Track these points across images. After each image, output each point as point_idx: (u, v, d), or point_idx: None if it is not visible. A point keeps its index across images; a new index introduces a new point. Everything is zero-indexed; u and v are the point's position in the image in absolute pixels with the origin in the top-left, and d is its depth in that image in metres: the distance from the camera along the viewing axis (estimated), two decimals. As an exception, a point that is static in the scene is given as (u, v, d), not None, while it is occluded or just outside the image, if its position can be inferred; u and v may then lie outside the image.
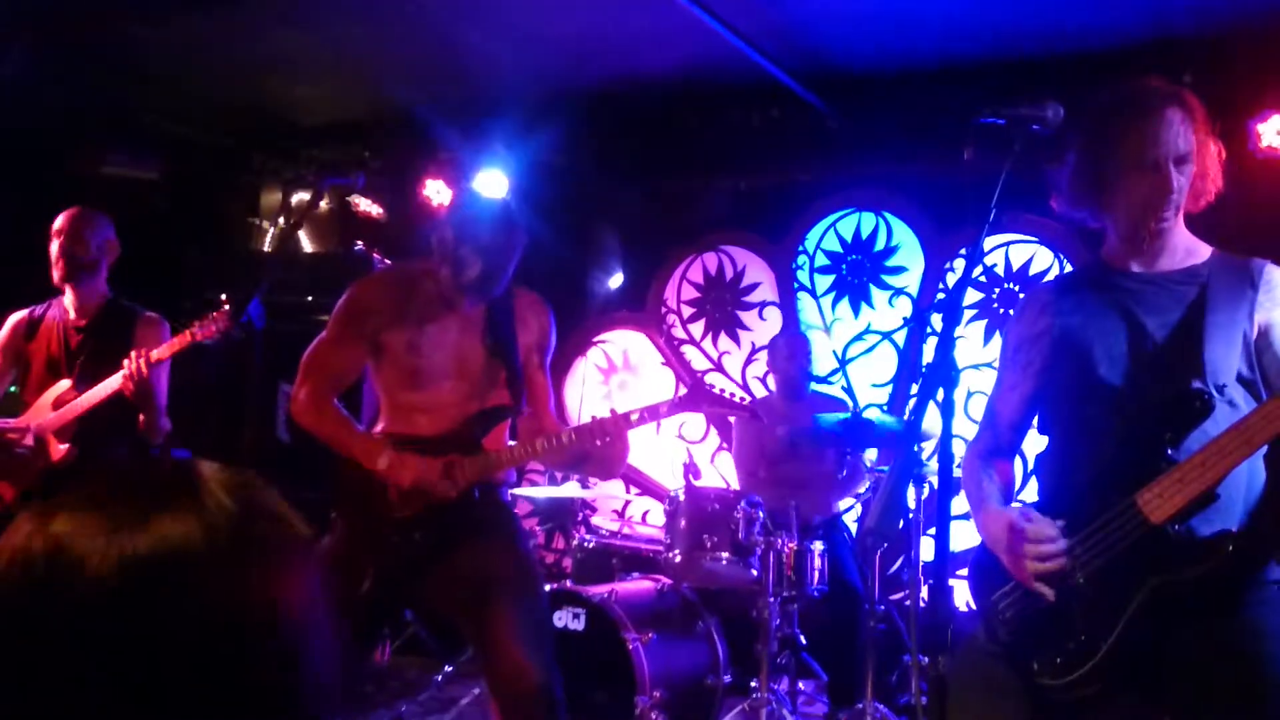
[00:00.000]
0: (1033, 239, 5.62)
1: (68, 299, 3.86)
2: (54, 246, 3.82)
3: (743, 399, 3.09)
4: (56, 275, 3.82)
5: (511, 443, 3.04)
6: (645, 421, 2.92)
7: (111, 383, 3.65)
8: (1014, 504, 2.28)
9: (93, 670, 0.77)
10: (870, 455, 5.20)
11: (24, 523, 0.84)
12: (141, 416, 3.70)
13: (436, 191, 6.42)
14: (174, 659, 0.78)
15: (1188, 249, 2.22)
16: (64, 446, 3.70)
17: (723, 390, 3.05)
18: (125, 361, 3.61)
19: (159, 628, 0.78)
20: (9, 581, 0.81)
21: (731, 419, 5.46)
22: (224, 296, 5.94)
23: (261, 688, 0.82)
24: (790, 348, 5.16)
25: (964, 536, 5.04)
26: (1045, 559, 2.06)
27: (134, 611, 0.78)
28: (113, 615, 0.78)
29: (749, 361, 6.30)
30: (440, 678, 5.11)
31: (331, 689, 0.89)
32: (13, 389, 3.89)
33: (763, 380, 6.19)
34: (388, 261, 6.00)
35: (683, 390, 3.10)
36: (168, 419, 3.79)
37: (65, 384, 3.75)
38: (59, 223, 3.85)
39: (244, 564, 0.82)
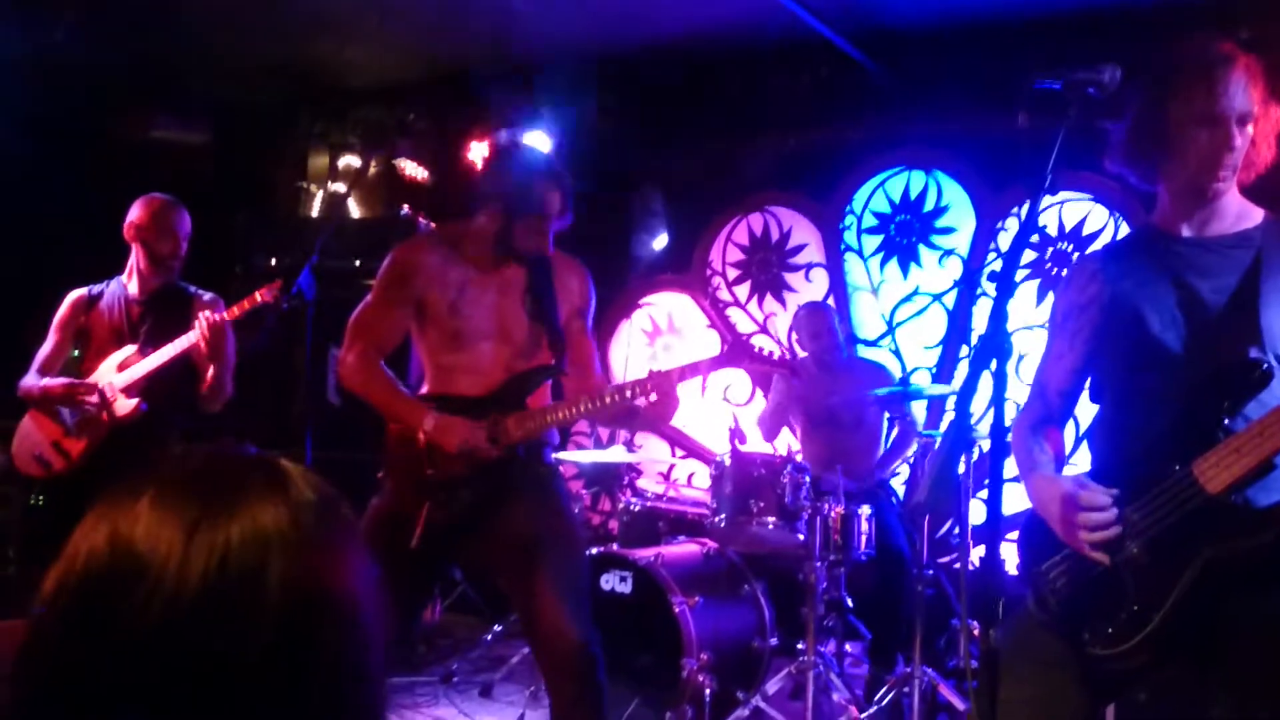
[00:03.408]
0: (1087, 197, 5.52)
1: (132, 278, 3.94)
2: (154, 238, 3.89)
3: (783, 356, 3.09)
4: (150, 265, 3.91)
5: (557, 402, 3.06)
6: (687, 377, 2.93)
7: (178, 344, 3.77)
8: (1068, 466, 2.26)
9: (170, 654, 0.78)
10: (919, 415, 5.15)
11: (98, 522, 0.84)
12: (209, 376, 3.80)
13: (481, 155, 6.42)
14: (252, 643, 0.80)
15: (1239, 213, 2.17)
16: (132, 402, 3.79)
17: (763, 348, 3.06)
18: (198, 319, 3.71)
19: (243, 610, 0.80)
20: (95, 571, 0.82)
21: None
22: (274, 261, 6.01)
23: (337, 666, 0.84)
24: (811, 325, 5.03)
25: (1014, 500, 5.01)
26: (1098, 528, 2.04)
27: (221, 598, 0.80)
28: (203, 609, 0.79)
29: (795, 324, 6.25)
30: (490, 637, 5.18)
31: (386, 663, 0.92)
32: (74, 354, 3.98)
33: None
34: (433, 225, 6.02)
35: (725, 347, 3.08)
36: (232, 383, 3.89)
37: (130, 349, 3.85)
38: (159, 215, 3.91)
39: (325, 549, 0.85)
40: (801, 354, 5.21)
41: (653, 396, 2.91)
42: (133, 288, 3.95)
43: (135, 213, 3.93)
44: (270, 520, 0.83)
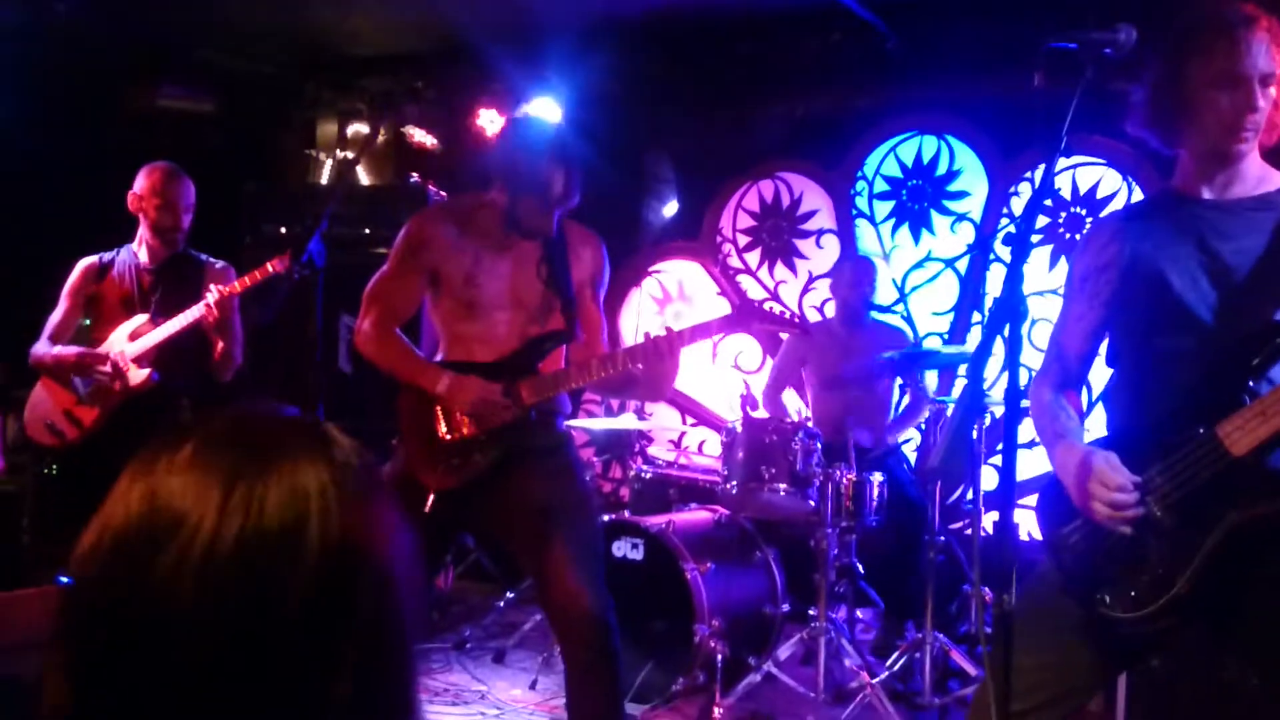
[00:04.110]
0: (1101, 161, 5.47)
1: (142, 247, 3.95)
2: (155, 210, 3.89)
3: (792, 315, 3.07)
4: (155, 237, 3.91)
5: (569, 367, 3.06)
6: (696, 339, 2.92)
7: (188, 315, 3.77)
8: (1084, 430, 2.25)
9: (205, 623, 0.78)
10: (931, 383, 5.14)
11: (130, 483, 0.84)
12: (219, 347, 3.81)
13: (490, 121, 6.37)
14: (297, 599, 0.80)
15: (1260, 176, 2.15)
16: (144, 372, 3.80)
17: (771, 308, 3.05)
18: (208, 291, 3.72)
19: (287, 570, 0.80)
20: (128, 538, 0.81)
21: (783, 335, 5.40)
22: (284, 231, 6.00)
23: (374, 626, 0.85)
24: (854, 274, 5.09)
25: (1027, 466, 5.00)
26: (1115, 507, 2.03)
27: (262, 558, 0.80)
28: (239, 567, 0.79)
29: (806, 290, 6.23)
30: (502, 603, 5.21)
31: (422, 629, 0.93)
32: (85, 322, 3.99)
33: (819, 309, 6.13)
34: (442, 193, 6.00)
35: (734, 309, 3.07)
36: (241, 354, 3.90)
37: (142, 318, 3.86)
38: (160, 188, 3.90)
39: (363, 510, 0.85)
40: (816, 319, 5.19)
41: (656, 359, 2.89)
42: (143, 255, 3.95)
43: (138, 183, 3.93)
44: (310, 479, 0.83)
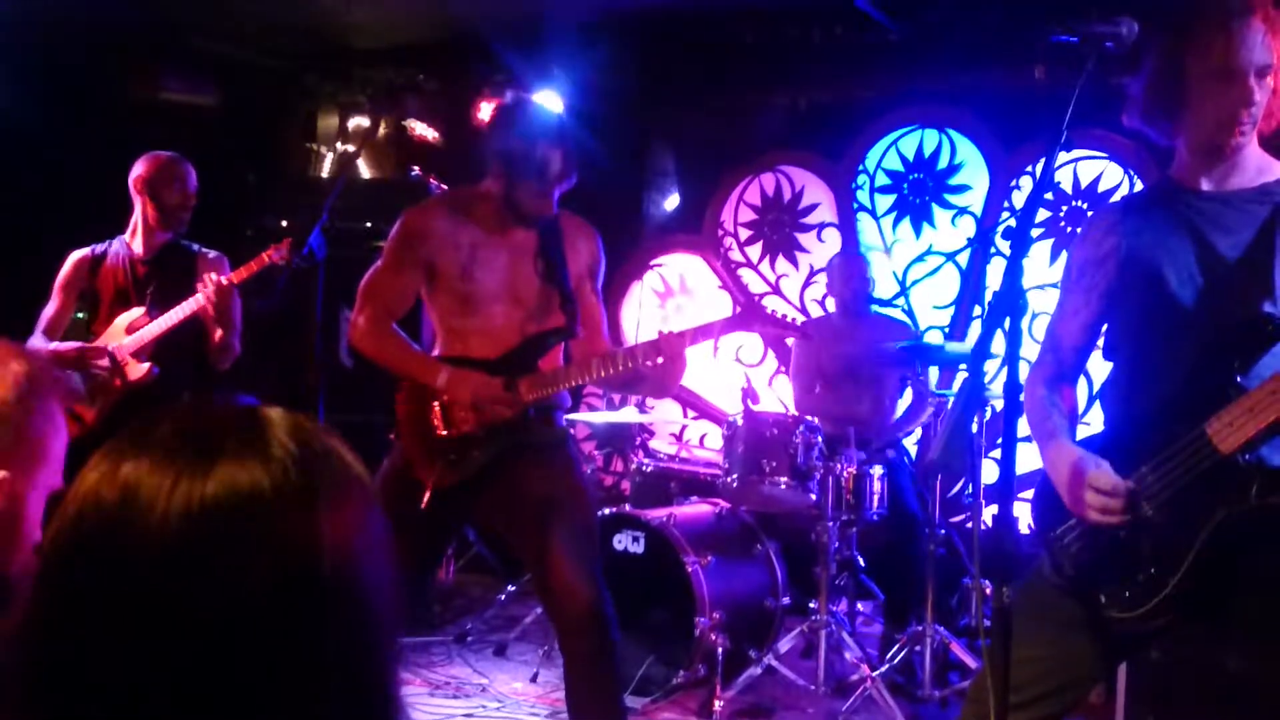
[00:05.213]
0: (1102, 154, 5.46)
1: (135, 237, 3.93)
2: (162, 189, 3.87)
3: (795, 319, 3.08)
4: (158, 218, 3.89)
5: (569, 365, 3.06)
6: (699, 340, 2.91)
7: (186, 307, 3.76)
8: (1081, 425, 2.24)
9: (162, 614, 0.78)
10: (932, 378, 5.14)
11: (94, 467, 0.84)
12: (217, 336, 3.79)
13: (489, 113, 6.37)
14: (243, 602, 0.78)
15: (1260, 167, 2.13)
16: (144, 366, 3.80)
17: (775, 310, 3.05)
18: (202, 283, 3.71)
19: (228, 571, 0.78)
20: (83, 525, 0.82)
21: (789, 340, 5.41)
22: (285, 223, 6.00)
23: (331, 628, 0.82)
24: (845, 270, 5.07)
25: (1027, 459, 4.99)
26: (1106, 512, 2.03)
27: (203, 556, 0.78)
28: (181, 560, 0.78)
29: (807, 284, 6.23)
30: (504, 596, 5.21)
31: (398, 622, 0.90)
32: (79, 315, 3.98)
33: (821, 303, 6.12)
34: (444, 187, 5.99)
35: (737, 310, 3.06)
36: (239, 343, 3.89)
37: (138, 311, 3.84)
38: (166, 164, 3.90)
39: (310, 507, 0.82)
40: (817, 313, 5.18)
41: (659, 360, 2.89)
42: (136, 246, 3.92)
43: (140, 167, 3.90)
44: (246, 478, 0.81)
